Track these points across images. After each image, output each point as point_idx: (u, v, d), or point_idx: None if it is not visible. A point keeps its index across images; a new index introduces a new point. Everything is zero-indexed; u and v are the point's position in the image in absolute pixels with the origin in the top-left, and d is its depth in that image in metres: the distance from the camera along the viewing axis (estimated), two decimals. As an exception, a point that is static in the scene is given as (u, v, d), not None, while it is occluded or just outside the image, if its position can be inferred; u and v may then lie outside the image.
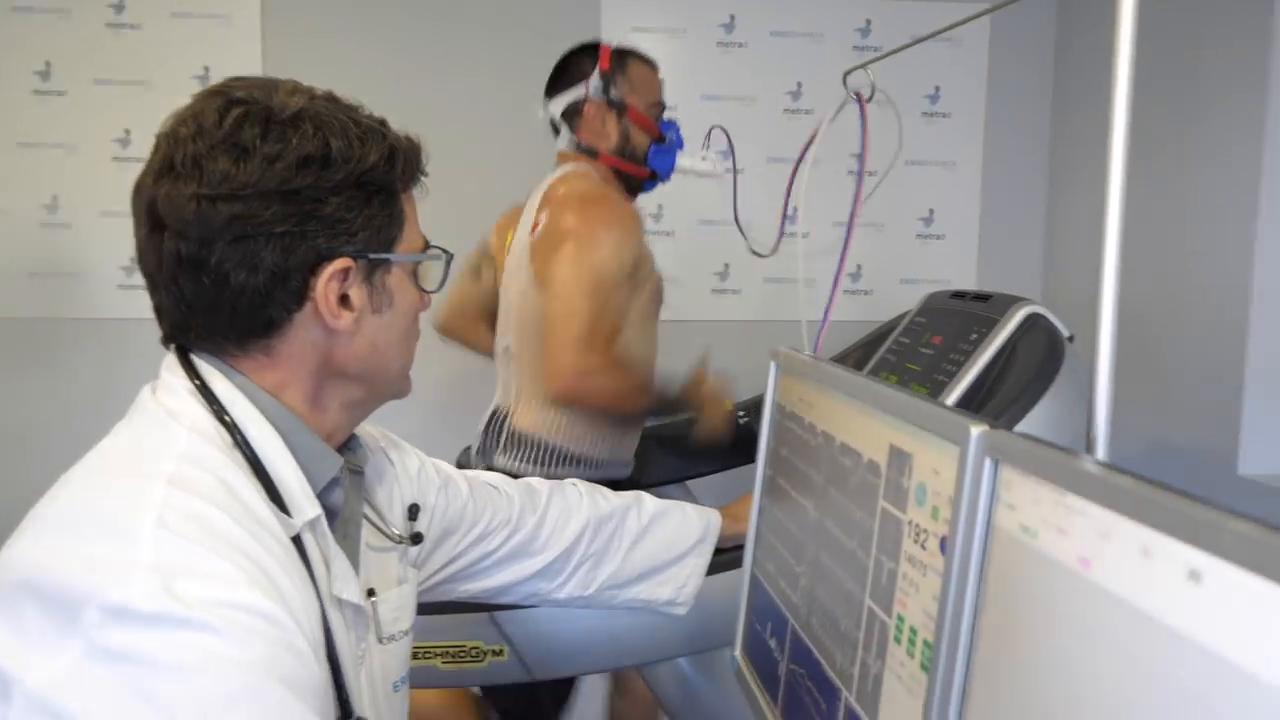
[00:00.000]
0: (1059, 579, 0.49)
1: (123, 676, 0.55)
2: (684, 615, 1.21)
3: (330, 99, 0.73)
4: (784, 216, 1.24)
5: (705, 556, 1.20)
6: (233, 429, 0.69)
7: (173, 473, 0.64)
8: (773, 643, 0.91)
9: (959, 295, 1.49)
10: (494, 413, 1.64)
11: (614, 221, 1.47)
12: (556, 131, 1.64)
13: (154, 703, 0.54)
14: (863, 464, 0.74)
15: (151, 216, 0.68)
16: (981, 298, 1.41)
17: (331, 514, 0.76)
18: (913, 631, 0.63)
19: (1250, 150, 1.85)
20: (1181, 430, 2.04)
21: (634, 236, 1.48)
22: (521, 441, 1.58)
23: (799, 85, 2.55)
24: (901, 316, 1.64)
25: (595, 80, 1.56)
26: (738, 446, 1.81)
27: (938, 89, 2.59)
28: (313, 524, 0.71)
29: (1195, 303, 2.01)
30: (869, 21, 2.56)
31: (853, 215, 0.98)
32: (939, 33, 0.93)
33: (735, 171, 1.60)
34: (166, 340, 0.74)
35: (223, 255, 0.67)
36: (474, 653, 1.33)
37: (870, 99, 0.96)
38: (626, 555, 1.15)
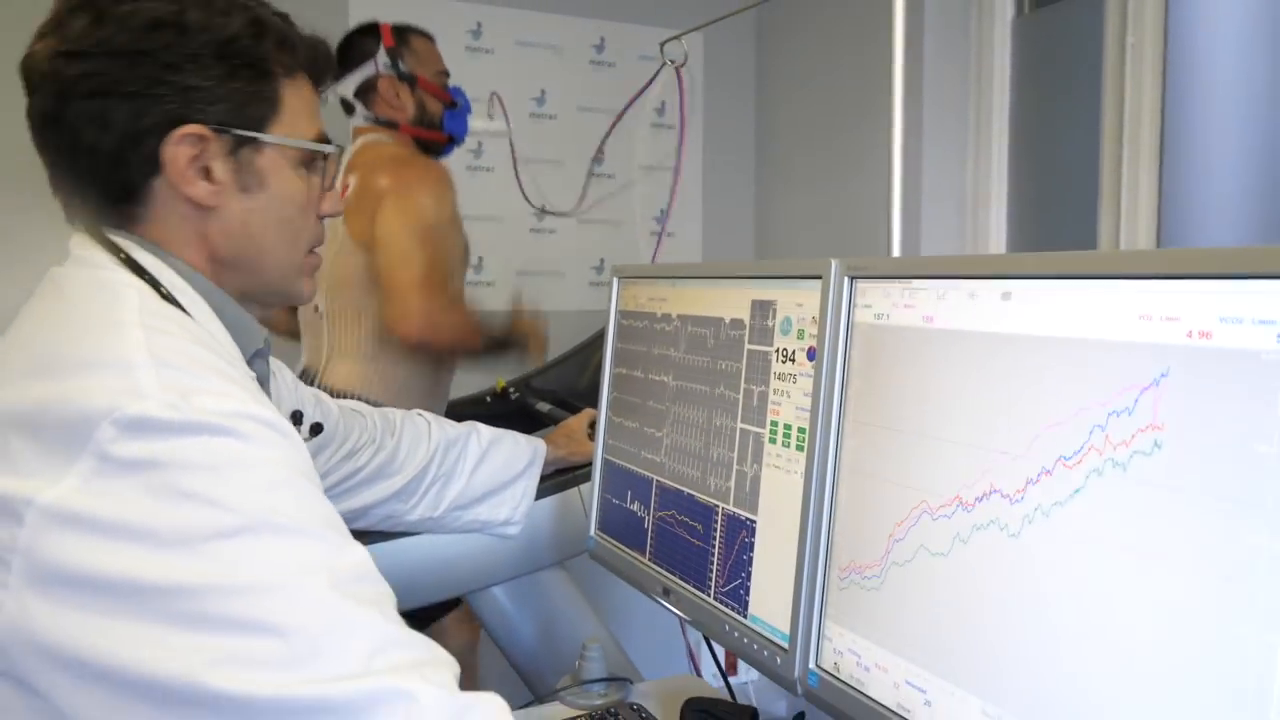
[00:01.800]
0: (908, 336, 0.72)
1: (146, 480, 0.57)
2: (515, 537, 1.34)
3: None
4: (590, 173, 1.44)
5: (534, 479, 1.34)
6: (168, 297, 0.71)
7: (140, 321, 0.66)
8: (635, 505, 1.09)
9: None
10: (303, 372, 1.67)
11: (426, 177, 1.60)
12: (349, 110, 1.72)
13: (202, 498, 0.57)
14: (724, 325, 0.94)
15: (28, 78, 0.72)
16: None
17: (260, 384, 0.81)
18: (786, 428, 0.84)
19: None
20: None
21: (447, 189, 1.61)
22: (334, 397, 1.62)
23: (542, 92, 2.77)
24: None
25: (382, 57, 1.68)
26: (513, 418, 1.97)
27: (664, 104, 2.94)
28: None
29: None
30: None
31: (678, 162, 1.20)
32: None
33: (510, 130, 1.79)
34: (68, 217, 0.76)
35: (76, 111, 0.70)
36: None
37: (684, 65, 1.19)
38: (470, 477, 1.26)
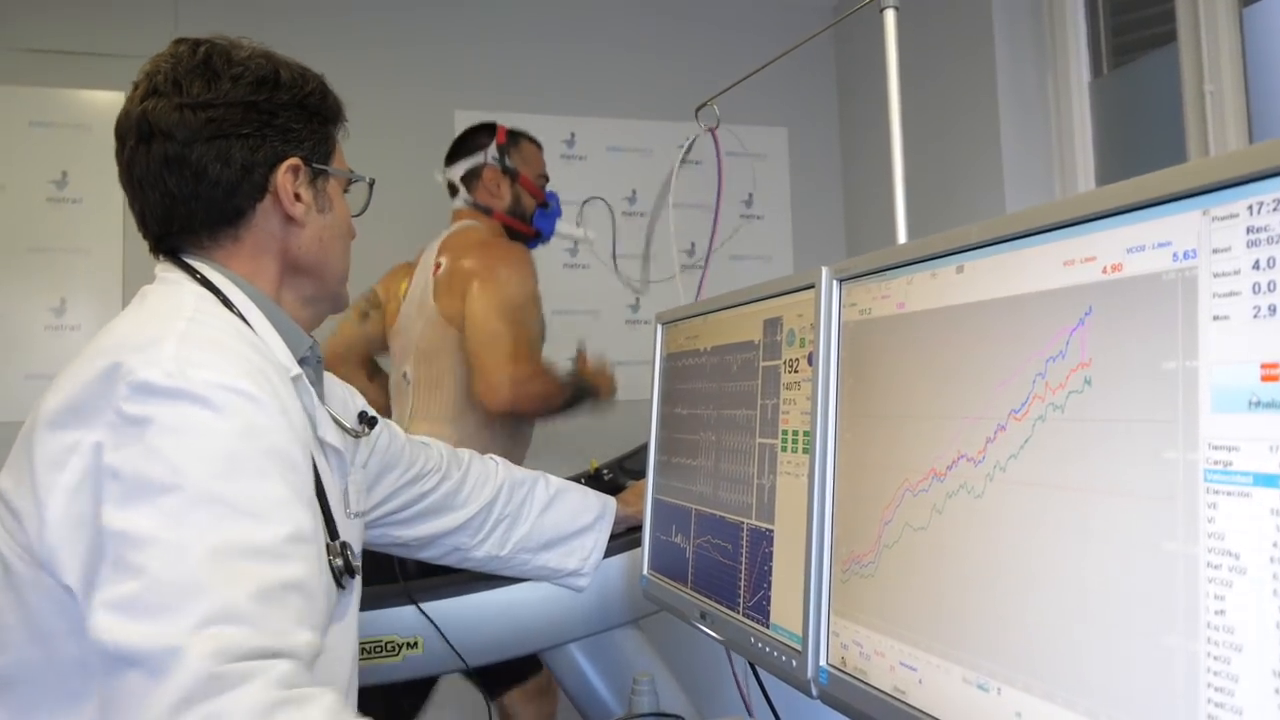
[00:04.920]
0: (886, 326, 0.75)
1: (140, 435, 0.70)
2: (585, 592, 1.37)
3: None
4: (645, 256, 1.54)
5: (604, 532, 1.38)
6: (227, 302, 0.87)
7: (190, 316, 0.81)
8: (678, 538, 1.12)
9: None
10: (391, 432, 1.81)
11: (510, 257, 1.75)
12: (453, 193, 1.93)
13: (161, 456, 0.69)
14: (743, 348, 0.99)
15: (141, 129, 0.87)
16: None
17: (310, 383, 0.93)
18: (794, 433, 0.87)
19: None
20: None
21: (529, 268, 1.76)
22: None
23: (634, 192, 2.94)
24: None
25: (493, 150, 1.89)
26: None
27: (751, 195, 3.06)
28: (296, 380, 0.87)
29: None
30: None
31: (715, 215, 1.27)
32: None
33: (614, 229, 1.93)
34: (154, 248, 0.93)
35: (201, 153, 0.86)
36: (389, 647, 1.42)
37: (717, 127, 1.28)
38: (537, 520, 1.32)
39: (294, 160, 0.90)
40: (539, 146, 1.97)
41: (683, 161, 1.41)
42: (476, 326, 1.72)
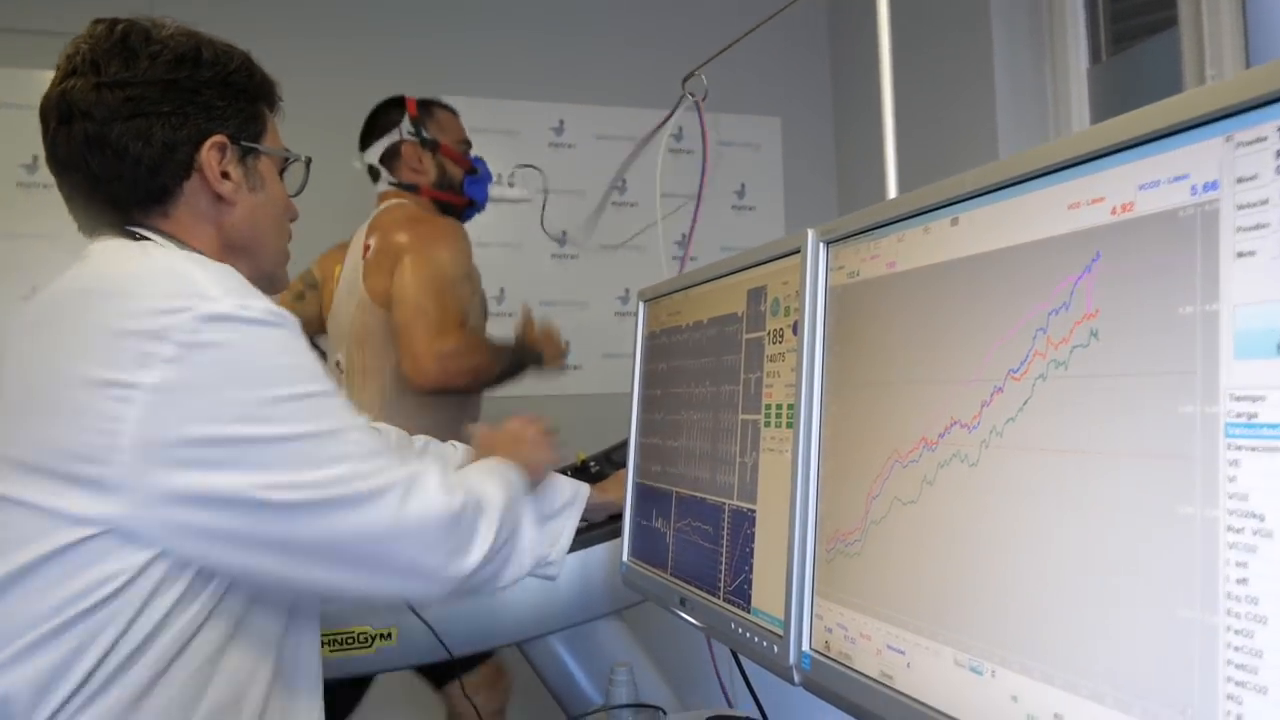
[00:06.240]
0: (875, 288, 0.70)
1: (218, 358, 0.73)
2: (567, 583, 1.32)
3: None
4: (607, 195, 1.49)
5: (574, 519, 1.33)
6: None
7: (187, 257, 0.81)
8: (659, 523, 1.07)
9: None
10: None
11: (442, 234, 1.68)
12: (375, 177, 1.84)
13: (261, 371, 0.75)
14: (725, 321, 0.94)
15: (61, 110, 0.85)
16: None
17: None
18: (779, 408, 0.82)
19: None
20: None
21: (463, 245, 1.69)
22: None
23: (624, 181, 2.88)
24: None
25: (406, 124, 1.80)
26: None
27: (744, 185, 3.01)
28: None
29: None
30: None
31: (701, 186, 1.23)
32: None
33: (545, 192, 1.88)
34: (85, 228, 0.89)
35: (120, 131, 0.84)
36: (361, 638, 1.37)
37: (704, 99, 1.23)
38: None
39: (218, 138, 0.88)
40: (454, 112, 1.88)
41: (670, 146, 1.35)
42: (402, 303, 1.64)
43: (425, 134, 1.80)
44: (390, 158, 1.81)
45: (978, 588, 0.56)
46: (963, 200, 0.61)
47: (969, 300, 0.60)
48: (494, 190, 1.90)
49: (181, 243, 0.87)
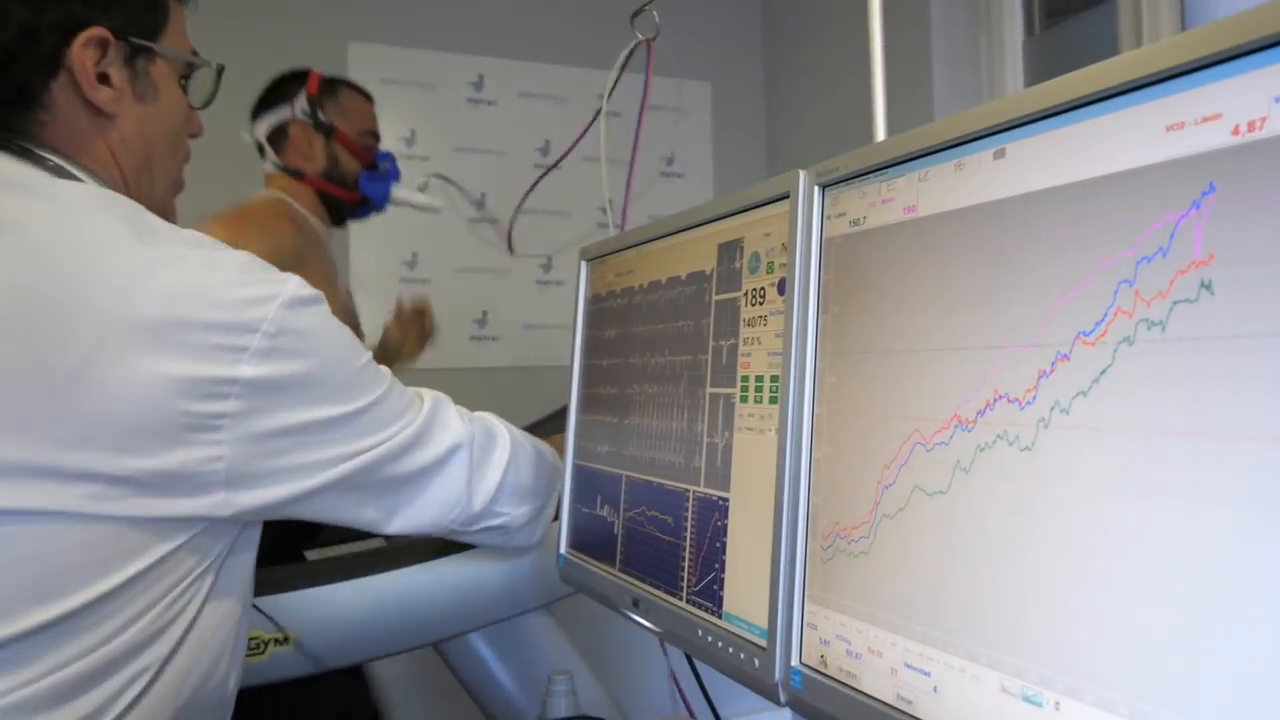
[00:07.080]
0: (888, 237, 0.59)
1: (298, 341, 0.69)
2: (488, 574, 1.20)
3: None
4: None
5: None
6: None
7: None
8: (605, 510, 0.95)
9: None
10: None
11: (254, 227, 1.45)
12: (262, 154, 1.62)
13: (334, 347, 0.72)
14: (689, 281, 0.82)
15: None
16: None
17: None
18: (759, 380, 0.71)
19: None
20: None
21: (286, 239, 1.47)
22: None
23: (546, 143, 2.73)
24: None
25: (301, 102, 1.58)
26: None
27: (673, 153, 2.89)
28: None
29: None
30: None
31: (637, 136, 1.10)
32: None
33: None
34: None
35: None
36: (253, 644, 1.21)
37: (655, 38, 1.10)
38: None
39: (97, 30, 0.71)
40: (368, 99, 1.67)
41: (594, 106, 1.22)
42: None
43: (321, 116, 1.57)
44: (278, 137, 1.58)
45: (1034, 598, 0.46)
46: (1011, 128, 0.50)
47: (1019, 250, 0.49)
48: (399, 192, 1.68)
49: (78, 163, 0.70)
